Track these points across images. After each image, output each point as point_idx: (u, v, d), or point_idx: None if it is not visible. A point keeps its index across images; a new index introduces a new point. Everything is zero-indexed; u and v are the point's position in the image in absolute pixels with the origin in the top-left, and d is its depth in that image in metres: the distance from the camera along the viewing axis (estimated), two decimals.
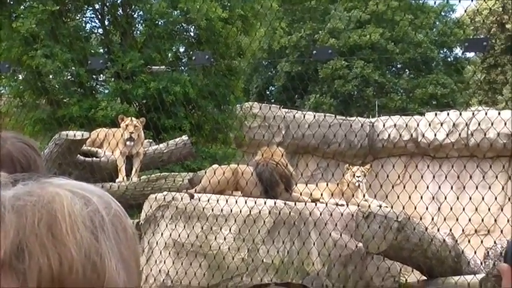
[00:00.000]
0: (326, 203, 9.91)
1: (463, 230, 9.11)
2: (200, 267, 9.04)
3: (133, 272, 1.09)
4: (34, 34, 15.90)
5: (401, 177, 11.81)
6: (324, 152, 19.32)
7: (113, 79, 17.14)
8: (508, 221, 7.83)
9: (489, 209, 8.41)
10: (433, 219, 9.87)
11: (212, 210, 9.16)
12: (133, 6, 17.72)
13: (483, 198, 8.16)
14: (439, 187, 9.60)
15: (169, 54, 17.91)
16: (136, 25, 18.37)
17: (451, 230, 10.05)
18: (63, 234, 1.01)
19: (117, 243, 1.06)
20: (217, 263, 8.97)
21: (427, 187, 9.57)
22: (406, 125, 16.73)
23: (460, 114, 14.61)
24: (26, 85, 16.69)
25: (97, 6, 17.96)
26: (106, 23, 18.02)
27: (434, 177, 10.14)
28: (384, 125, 19.26)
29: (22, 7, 16.75)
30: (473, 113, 15.09)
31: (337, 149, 19.00)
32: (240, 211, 9.03)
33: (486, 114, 10.23)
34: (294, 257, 9.10)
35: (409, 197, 8.61)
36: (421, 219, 10.27)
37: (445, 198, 9.06)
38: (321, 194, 10.78)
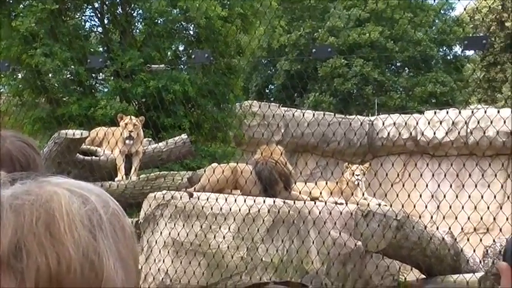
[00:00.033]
0: (325, 201, 9.91)
1: (462, 229, 9.12)
2: (199, 266, 9.04)
3: (132, 271, 1.09)
4: (33, 33, 15.91)
5: (401, 175, 11.81)
6: (323, 151, 19.33)
7: (112, 78, 17.14)
8: (507, 219, 7.84)
9: (488, 208, 8.41)
10: (432, 217, 9.86)
11: (211, 209, 9.16)
12: (132, 5, 17.73)
13: (482, 197, 8.15)
14: (438, 185, 9.58)
15: (169, 53, 17.92)
16: (136, 24, 18.38)
17: (450, 228, 10.05)
18: (61, 233, 1.01)
19: (115, 242, 1.06)
20: (216, 262, 8.97)
21: (426, 185, 9.59)
22: (406, 123, 16.74)
23: (460, 112, 14.63)
24: (26, 84, 16.69)
25: (96, 5, 17.97)
26: (105, 21, 18.03)
27: (433, 175, 10.16)
28: (383, 124, 19.30)
29: (21, 6, 16.75)
30: (472, 111, 15.09)
31: (337, 148, 19.01)
32: (239, 210, 9.03)
33: (485, 112, 10.23)
34: (293, 256, 9.10)
35: (408, 196, 8.61)
36: (420, 217, 10.27)
37: (444, 196, 9.06)
38: (320, 193, 10.77)
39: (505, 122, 10.06)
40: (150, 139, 13.12)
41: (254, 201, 9.13)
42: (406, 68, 34.00)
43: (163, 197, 9.61)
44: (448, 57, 34.18)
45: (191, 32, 18.34)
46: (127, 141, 11.84)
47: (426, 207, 9.15)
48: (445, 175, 9.72)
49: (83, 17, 18.53)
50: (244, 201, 9.13)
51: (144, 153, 12.15)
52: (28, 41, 15.92)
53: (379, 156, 19.66)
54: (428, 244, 10.12)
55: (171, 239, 9.31)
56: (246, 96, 26.76)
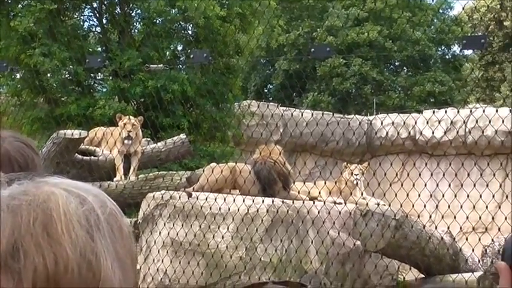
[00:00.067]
0: (324, 201, 9.91)
1: (460, 228, 9.12)
2: (198, 266, 9.04)
3: (129, 271, 1.09)
4: (32, 33, 15.90)
5: (399, 175, 11.82)
6: (321, 150, 19.33)
7: (110, 77, 17.14)
8: (506, 218, 7.85)
9: (487, 207, 8.42)
10: (430, 217, 9.86)
11: (210, 208, 9.16)
12: (131, 5, 17.72)
13: (481, 196, 8.15)
14: (437, 185, 9.58)
15: (167, 53, 17.92)
16: (134, 23, 18.38)
17: (448, 227, 10.05)
18: (58, 233, 1.01)
19: (112, 242, 1.06)
20: (215, 262, 8.97)
21: (425, 185, 9.58)
22: (404, 123, 16.72)
23: (458, 111, 14.62)
24: (24, 84, 16.68)
25: (95, 5, 17.97)
26: (104, 21, 18.02)
27: (432, 174, 10.15)
28: (381, 123, 19.28)
29: (20, 6, 16.74)
30: (471, 111, 15.07)
31: (335, 147, 19.00)
32: (238, 210, 9.03)
33: (484, 111, 10.22)
34: (292, 256, 9.10)
35: (407, 195, 8.62)
36: (418, 217, 10.27)
37: (443, 196, 9.07)
38: (319, 192, 10.76)
39: (503, 121, 10.07)
40: (148, 139, 13.12)
41: (253, 201, 9.13)
42: (404, 68, 34.02)
43: (162, 197, 9.60)
44: (447, 57, 34.21)
45: (190, 32, 18.34)
46: (126, 141, 11.84)
47: (425, 206, 9.14)
48: (443, 174, 9.72)
49: (82, 17, 18.53)
50: (243, 201, 9.13)
51: (143, 153, 12.15)
52: (26, 40, 15.91)
53: (377, 156, 19.67)
54: (427, 243, 10.11)
55: (169, 239, 9.31)
56: (245, 96, 26.76)
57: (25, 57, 15.75)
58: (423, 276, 10.60)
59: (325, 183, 11.17)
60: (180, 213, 9.30)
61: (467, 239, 9.42)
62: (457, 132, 17.29)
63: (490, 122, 9.91)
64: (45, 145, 11.09)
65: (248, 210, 9.05)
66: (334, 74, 31.05)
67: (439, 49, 33.76)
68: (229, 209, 9.08)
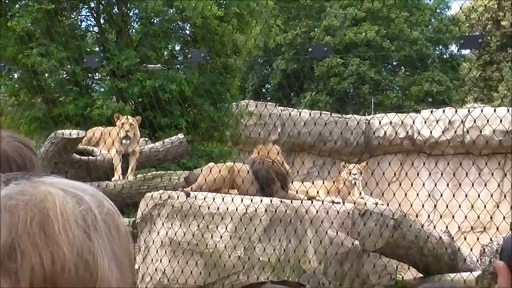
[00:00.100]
0: (322, 200, 9.91)
1: (459, 227, 9.13)
2: (196, 265, 9.03)
3: (127, 270, 1.08)
4: (29, 33, 15.89)
5: (397, 174, 11.82)
6: (319, 150, 19.33)
7: (108, 77, 17.13)
8: (504, 218, 7.84)
9: (485, 206, 8.42)
10: (429, 216, 9.86)
11: (208, 208, 9.15)
12: (128, 5, 17.71)
13: (479, 195, 8.17)
14: (435, 184, 9.57)
15: (165, 53, 17.92)
16: (132, 23, 18.37)
17: (447, 227, 10.06)
18: (55, 233, 1.01)
19: (109, 241, 1.06)
20: (214, 262, 8.96)
21: (423, 184, 9.57)
22: (402, 123, 16.74)
23: (456, 111, 14.63)
24: (22, 84, 16.68)
25: (92, 5, 17.95)
26: (101, 21, 18.01)
27: (430, 174, 10.14)
28: (379, 123, 19.30)
29: (17, 6, 16.73)
30: (468, 110, 15.09)
31: (333, 147, 19.00)
32: (236, 209, 9.03)
33: (482, 111, 10.22)
34: (291, 255, 9.10)
35: (405, 195, 8.62)
36: (417, 216, 10.26)
37: (441, 195, 9.05)
38: (317, 192, 10.77)
39: (501, 120, 10.06)
40: (146, 139, 13.12)
41: (251, 201, 9.13)
42: (402, 67, 34.03)
43: (160, 196, 9.60)
44: (444, 56, 34.23)
45: (187, 32, 18.33)
46: (123, 141, 11.84)
47: (423, 206, 9.14)
48: (441, 174, 9.72)
49: (79, 17, 18.52)
50: (241, 200, 9.12)
51: (141, 153, 12.15)
52: (24, 40, 15.90)
53: (375, 156, 19.66)
54: (426, 243, 10.11)
55: (168, 239, 9.31)
56: (243, 96, 26.79)
57: (23, 57, 15.74)
58: (422, 275, 10.61)
59: (323, 182, 11.18)
60: (178, 213, 9.30)
61: (465, 239, 9.42)
62: (455, 131, 17.29)
63: (488, 121, 9.91)
64: (43, 145, 11.08)
65: (246, 209, 9.04)
66: (332, 73, 31.05)
67: (437, 49, 33.78)
68: (227, 209, 9.08)
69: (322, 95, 31.14)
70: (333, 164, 14.82)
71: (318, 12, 32.78)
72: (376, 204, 10.18)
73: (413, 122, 17.53)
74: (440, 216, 8.71)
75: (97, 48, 17.91)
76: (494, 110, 10.01)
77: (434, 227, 10.30)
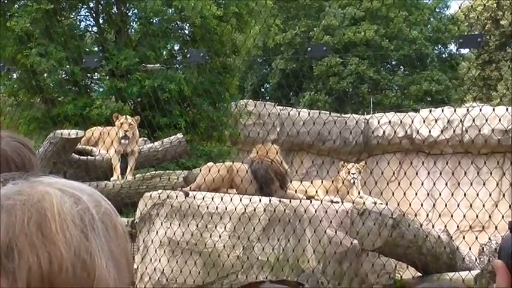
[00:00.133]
0: (321, 200, 9.93)
1: (457, 227, 9.10)
2: (195, 265, 9.04)
3: (124, 270, 1.09)
4: (28, 33, 15.89)
5: (396, 173, 11.84)
6: (318, 149, 19.33)
7: (107, 77, 17.13)
8: (503, 217, 7.84)
9: (484, 205, 8.42)
10: (427, 215, 9.88)
11: (207, 208, 9.16)
12: (127, 4, 17.71)
13: (478, 195, 8.16)
14: (434, 183, 9.58)
15: (164, 52, 17.91)
16: (131, 23, 18.36)
17: (445, 226, 10.06)
18: (52, 233, 1.01)
19: (107, 241, 1.06)
20: (212, 261, 8.97)
21: (422, 184, 9.57)
22: (401, 122, 16.75)
23: (455, 110, 14.63)
24: (21, 84, 16.67)
25: (91, 5, 17.94)
26: (100, 21, 18.01)
27: (429, 173, 10.15)
28: (378, 122, 19.30)
29: (16, 6, 16.72)
30: (467, 110, 15.08)
31: (332, 146, 19.01)
32: (235, 209, 9.03)
33: (481, 110, 10.22)
34: (289, 255, 9.11)
35: (404, 194, 8.62)
36: (415, 215, 10.26)
37: (440, 194, 9.07)
38: (316, 191, 10.78)
39: (500, 120, 10.08)
40: (145, 138, 13.12)
41: (250, 200, 9.13)
42: (401, 67, 34.01)
43: (159, 196, 9.61)
44: (443, 56, 34.21)
45: (186, 32, 18.33)
46: (122, 141, 11.85)
47: (422, 205, 9.14)
48: (440, 173, 9.72)
49: (78, 17, 18.51)
50: (240, 200, 9.13)
51: (140, 153, 12.15)
52: (23, 41, 15.89)
53: (374, 155, 19.66)
54: (424, 242, 10.12)
55: (167, 239, 9.31)
56: (242, 95, 26.78)
57: (22, 57, 15.73)
58: (420, 274, 10.62)
59: (322, 182, 11.19)
60: (177, 212, 9.30)
61: (464, 238, 9.42)
62: (454, 131, 17.29)
63: (486, 120, 9.92)
64: (42, 145, 11.09)
65: (245, 209, 9.05)
66: (331, 73, 31.04)
67: (436, 48, 33.76)
68: (226, 208, 9.08)
69: (321, 94, 31.13)
70: (332, 164, 14.81)
71: (317, 11, 32.76)
72: (375, 203, 10.19)
73: (412, 122, 17.54)
74: (439, 216, 8.73)
75: (96, 48, 17.90)
76: (493, 109, 10.00)
77: (433, 226, 10.32)
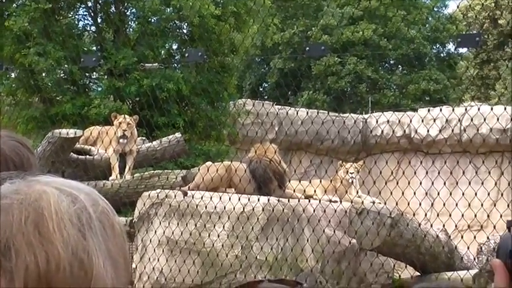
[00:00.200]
0: (319, 199, 9.92)
1: (456, 226, 9.11)
2: (194, 264, 9.04)
3: (122, 269, 1.08)
4: (27, 32, 15.88)
5: (395, 173, 11.80)
6: (317, 149, 19.33)
7: (105, 77, 17.12)
8: (501, 216, 7.84)
9: (482, 205, 8.43)
10: (426, 215, 9.89)
11: (206, 207, 9.16)
12: (126, 4, 17.70)
13: (476, 194, 8.17)
14: (432, 183, 9.60)
15: (162, 52, 17.89)
16: (129, 22, 18.35)
17: (444, 225, 10.06)
18: (50, 232, 1.01)
19: (104, 240, 1.06)
20: (211, 261, 8.97)
21: (420, 183, 9.58)
22: (399, 121, 16.75)
23: (453, 110, 14.64)
24: (19, 83, 16.66)
25: (89, 4, 17.94)
26: (99, 20, 18.00)
27: (427, 173, 10.17)
28: (377, 121, 19.29)
29: (14, 5, 16.71)
30: (466, 109, 15.10)
31: (331, 146, 19.01)
32: (234, 208, 9.03)
33: (479, 109, 10.24)
34: (288, 254, 9.11)
35: (402, 193, 8.62)
36: (414, 215, 10.29)
37: (438, 194, 9.07)
38: (314, 191, 10.78)
39: (498, 119, 10.05)
40: (144, 138, 13.12)
41: (248, 200, 9.13)
42: (399, 66, 34.01)
43: (158, 195, 9.60)
44: (442, 55, 34.22)
45: (185, 31, 18.32)
46: (121, 140, 11.85)
47: (420, 204, 9.16)
48: (438, 172, 9.74)
49: (76, 16, 18.49)
50: (239, 199, 9.13)
51: (138, 152, 12.15)
52: (21, 40, 15.88)
53: (373, 154, 19.66)
54: (423, 241, 10.13)
55: (165, 238, 9.31)
56: (240, 95, 26.76)
57: (20, 57, 15.72)
58: (419, 274, 10.62)
59: (320, 181, 11.18)
60: (176, 212, 9.30)
61: (462, 237, 9.43)
62: (452, 130, 17.33)
63: (485, 120, 9.92)
64: (40, 144, 11.09)
65: (244, 208, 9.05)
66: (329, 72, 31.04)
67: (434, 47, 33.77)
68: (224, 208, 9.09)
69: (320, 93, 31.13)
70: (330, 163, 14.83)
71: (315, 11, 32.77)
72: (373, 202, 10.19)
73: (411, 121, 17.54)
74: (438, 215, 8.72)
75: (94, 48, 17.89)
76: (491, 109, 10.01)
77: (431, 226, 10.32)
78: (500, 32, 32.63)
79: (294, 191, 10.23)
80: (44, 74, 16.76)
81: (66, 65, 16.14)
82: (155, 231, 9.41)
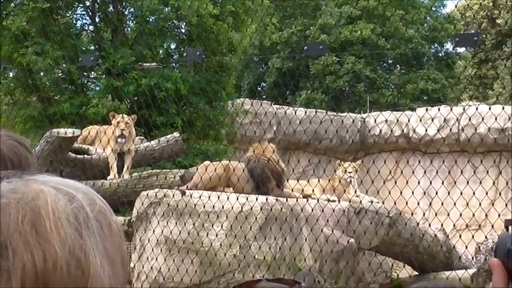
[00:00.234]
0: (317, 199, 9.92)
1: (454, 225, 9.12)
2: (192, 263, 9.04)
3: (119, 268, 1.08)
4: (25, 32, 15.87)
5: (393, 172, 11.80)
6: (315, 148, 19.34)
7: (104, 76, 17.11)
8: (499, 215, 7.86)
9: (480, 204, 8.43)
10: (424, 214, 9.87)
11: (204, 206, 9.16)
12: (124, 3, 17.70)
13: (474, 193, 8.16)
14: (430, 182, 9.60)
15: (161, 51, 17.89)
16: (127, 22, 18.34)
17: (442, 225, 10.06)
18: (47, 231, 1.01)
19: (101, 239, 1.06)
20: (209, 260, 8.97)
21: (418, 182, 9.59)
22: (397, 121, 16.73)
23: (451, 109, 14.63)
24: (17, 83, 16.65)
25: (88, 3, 17.93)
26: (97, 20, 17.99)
27: (425, 172, 10.16)
28: (375, 121, 19.30)
29: (12, 5, 16.70)
30: (464, 108, 15.09)
31: (329, 145, 19.01)
32: (232, 207, 9.03)
33: (477, 109, 10.23)
34: (286, 253, 9.11)
35: (401, 193, 8.63)
36: (412, 214, 10.28)
37: (436, 193, 9.08)
38: (313, 190, 10.78)
39: (496, 118, 10.07)
40: (142, 137, 13.11)
41: (247, 199, 9.13)
42: (397, 65, 34.04)
43: (156, 195, 9.60)
44: (440, 54, 34.25)
45: (183, 30, 18.32)
46: (119, 140, 11.84)
47: (418, 204, 9.14)
48: (437, 172, 9.74)
49: (74, 16, 18.49)
50: (237, 199, 9.13)
51: (136, 152, 12.15)
52: (19, 39, 15.87)
53: (371, 154, 19.68)
54: (421, 241, 10.13)
55: (163, 237, 9.31)
56: (238, 94, 26.78)
57: (18, 56, 15.72)
58: (417, 273, 10.62)
59: (318, 181, 11.18)
60: (174, 211, 9.30)
61: (460, 236, 9.44)
62: (450, 129, 17.32)
63: (483, 119, 9.91)
64: (38, 144, 11.08)
65: (242, 208, 9.05)
66: (327, 72, 31.06)
67: (432, 47, 33.80)
68: (223, 207, 9.08)
69: (318, 93, 31.15)
70: (328, 162, 14.84)
71: (314, 10, 32.78)
72: (372, 202, 10.19)
73: (409, 120, 17.54)
74: (436, 214, 8.72)
75: (92, 47, 17.88)
76: (490, 108, 10.01)
77: (430, 225, 10.32)
78: (498, 32, 32.65)
79: (292, 190, 10.23)
80: (42, 74, 16.75)
81: (64, 65, 16.14)
82: (153, 231, 9.40)
